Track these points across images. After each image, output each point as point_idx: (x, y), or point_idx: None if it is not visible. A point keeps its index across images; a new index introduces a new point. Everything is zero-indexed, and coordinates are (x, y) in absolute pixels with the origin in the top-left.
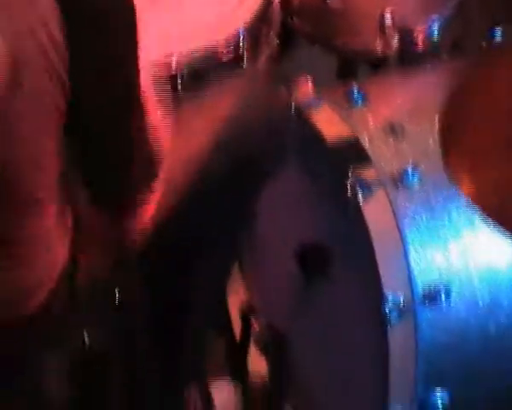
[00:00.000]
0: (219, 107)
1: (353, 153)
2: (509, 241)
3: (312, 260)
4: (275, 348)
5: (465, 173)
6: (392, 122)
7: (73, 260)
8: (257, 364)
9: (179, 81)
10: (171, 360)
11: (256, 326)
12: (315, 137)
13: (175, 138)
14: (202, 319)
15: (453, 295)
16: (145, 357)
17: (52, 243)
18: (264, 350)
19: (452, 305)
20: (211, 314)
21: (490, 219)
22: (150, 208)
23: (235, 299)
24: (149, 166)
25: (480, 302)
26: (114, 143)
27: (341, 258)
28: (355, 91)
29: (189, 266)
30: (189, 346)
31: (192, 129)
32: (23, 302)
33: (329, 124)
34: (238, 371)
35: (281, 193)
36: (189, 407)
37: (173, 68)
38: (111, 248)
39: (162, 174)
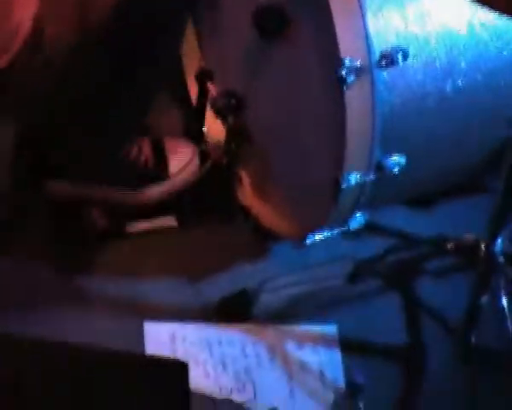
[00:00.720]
0: None
1: None
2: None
3: (269, 22)
4: (232, 112)
5: None
6: None
7: (37, 32)
8: (213, 128)
9: None
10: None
11: (213, 91)
12: None
13: None
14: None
15: (410, 56)
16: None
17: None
18: (221, 115)
19: (409, 66)
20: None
21: None
22: None
23: (192, 65)
24: None
25: (437, 64)
26: None
27: (299, 21)
28: None
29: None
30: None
31: None
32: None
33: None
34: (195, 135)
35: None
36: (135, 155)
37: None
38: (76, 20)
39: None
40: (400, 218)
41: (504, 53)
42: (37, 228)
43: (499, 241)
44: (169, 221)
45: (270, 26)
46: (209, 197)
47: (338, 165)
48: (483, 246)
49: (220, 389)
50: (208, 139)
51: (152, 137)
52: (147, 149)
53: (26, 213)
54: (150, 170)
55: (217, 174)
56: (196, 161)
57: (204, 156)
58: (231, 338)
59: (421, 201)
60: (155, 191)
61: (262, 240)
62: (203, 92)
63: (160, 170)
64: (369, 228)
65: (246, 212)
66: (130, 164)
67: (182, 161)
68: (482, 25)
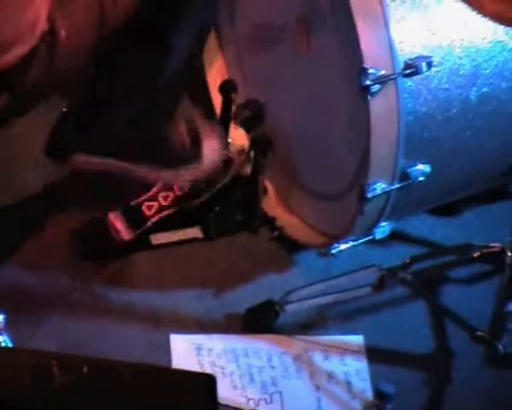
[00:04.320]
0: None
1: None
2: None
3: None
4: (255, 122)
5: None
6: None
7: (53, 21)
8: (237, 138)
9: None
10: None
11: (236, 102)
12: None
13: None
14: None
15: (434, 65)
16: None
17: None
18: (244, 126)
19: (434, 75)
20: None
21: None
22: None
23: (215, 77)
24: None
25: (462, 72)
26: None
27: (322, 31)
28: None
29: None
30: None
31: None
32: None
33: None
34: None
35: None
36: (176, 138)
37: None
38: (91, 9)
39: None
40: (425, 226)
41: None
42: (61, 236)
43: None
44: (194, 232)
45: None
46: (234, 208)
47: (363, 174)
48: (509, 252)
49: (247, 400)
50: (232, 150)
51: (188, 121)
52: (184, 132)
53: (50, 220)
54: (187, 152)
55: (241, 185)
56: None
57: (228, 164)
58: (258, 349)
59: (446, 209)
60: (187, 174)
61: (287, 250)
62: (227, 104)
63: (194, 152)
64: (395, 236)
65: (271, 222)
66: (169, 145)
67: (213, 146)
68: (507, 32)
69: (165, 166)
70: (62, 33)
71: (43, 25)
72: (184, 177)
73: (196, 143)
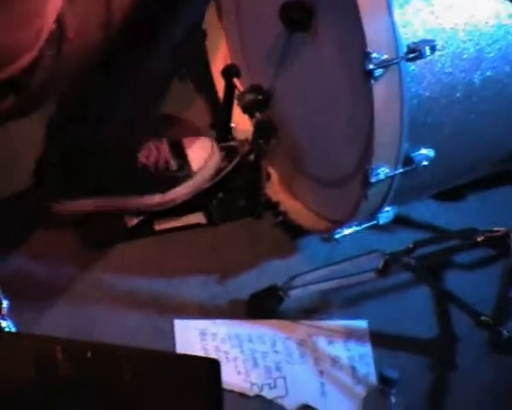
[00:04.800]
0: None
1: None
2: None
3: (296, 16)
4: (259, 106)
5: None
6: None
7: (61, 21)
8: (240, 123)
9: None
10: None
11: (239, 87)
12: None
13: None
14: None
15: (438, 49)
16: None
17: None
18: (248, 111)
19: (437, 59)
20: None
21: None
22: None
23: (219, 62)
24: None
25: (465, 55)
26: None
27: (325, 14)
28: None
29: None
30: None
31: None
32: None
33: None
34: (222, 130)
35: None
36: (154, 159)
37: None
38: (99, 8)
39: None
40: (429, 211)
41: None
42: (64, 224)
43: None
44: (197, 218)
45: (297, 18)
46: (237, 194)
47: (366, 159)
48: None
49: (251, 385)
50: (236, 135)
51: (168, 138)
52: (165, 151)
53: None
54: (172, 171)
55: (245, 171)
56: (217, 157)
57: (232, 152)
58: (261, 334)
59: (450, 193)
60: (180, 192)
61: (291, 235)
62: (230, 88)
63: (182, 169)
64: (399, 221)
65: (274, 207)
66: (150, 169)
67: (202, 157)
68: (510, 15)
69: (154, 192)
70: (70, 32)
71: (50, 26)
72: (178, 196)
73: (182, 159)
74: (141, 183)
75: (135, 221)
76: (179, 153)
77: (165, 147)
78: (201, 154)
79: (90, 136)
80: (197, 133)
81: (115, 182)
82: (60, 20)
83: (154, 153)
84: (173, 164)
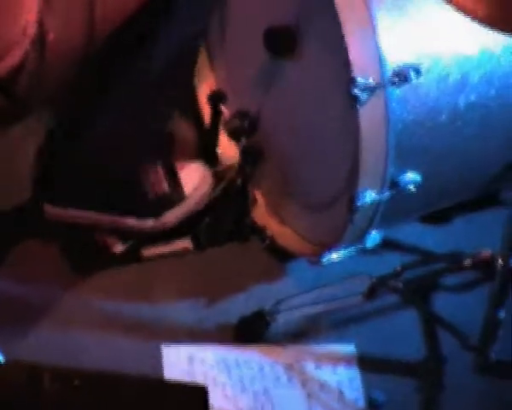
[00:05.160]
0: None
1: None
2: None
3: (281, 41)
4: (245, 133)
5: None
6: None
7: (41, 22)
8: (227, 149)
9: None
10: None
11: (226, 113)
12: None
13: None
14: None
15: (423, 73)
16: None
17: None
18: (234, 136)
19: (422, 83)
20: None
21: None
22: None
23: (205, 88)
24: None
25: (450, 79)
26: None
27: (310, 40)
28: None
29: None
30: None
31: None
32: None
33: None
34: (209, 157)
35: None
36: (151, 183)
37: None
38: (79, 12)
39: None
40: (416, 234)
41: None
42: (51, 248)
43: None
44: (184, 244)
45: (281, 46)
46: (224, 218)
47: (352, 183)
48: (500, 260)
49: None
50: (222, 161)
51: (163, 163)
52: (160, 175)
53: (41, 232)
54: (167, 195)
55: (231, 195)
56: (209, 180)
57: (218, 178)
58: (249, 359)
59: (437, 216)
60: (172, 216)
61: (278, 260)
62: (216, 114)
63: (175, 194)
64: (386, 244)
65: (261, 232)
66: (146, 193)
67: (195, 181)
68: (494, 40)
69: (148, 215)
70: (51, 34)
71: (32, 28)
72: (170, 220)
73: (176, 183)
74: (136, 202)
75: (122, 248)
76: (172, 175)
77: (159, 171)
78: (194, 177)
79: (86, 150)
80: (192, 154)
81: (112, 199)
82: (39, 21)
83: (150, 177)
84: (165, 186)
